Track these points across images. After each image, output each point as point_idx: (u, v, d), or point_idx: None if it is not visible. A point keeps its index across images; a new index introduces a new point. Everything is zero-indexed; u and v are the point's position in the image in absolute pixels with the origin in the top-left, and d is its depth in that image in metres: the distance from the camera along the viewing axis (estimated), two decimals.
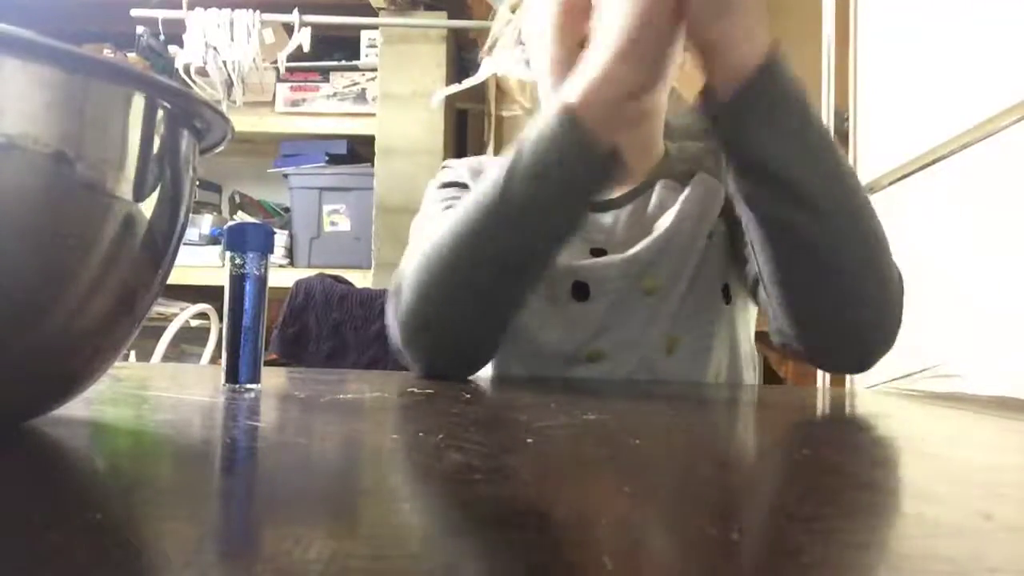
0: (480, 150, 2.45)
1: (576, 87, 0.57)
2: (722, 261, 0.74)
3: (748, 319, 0.79)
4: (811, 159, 0.56)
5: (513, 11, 0.82)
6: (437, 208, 0.76)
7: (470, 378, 0.66)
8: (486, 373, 0.75)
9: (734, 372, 0.76)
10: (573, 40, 0.70)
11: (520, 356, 0.73)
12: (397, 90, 2.24)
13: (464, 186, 0.78)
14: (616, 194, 0.77)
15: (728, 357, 0.75)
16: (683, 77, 0.76)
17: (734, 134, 0.57)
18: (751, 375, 0.79)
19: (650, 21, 0.54)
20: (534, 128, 0.59)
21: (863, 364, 0.63)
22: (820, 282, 0.59)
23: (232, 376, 0.51)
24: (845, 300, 0.59)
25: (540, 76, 0.76)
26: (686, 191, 0.74)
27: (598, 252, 0.74)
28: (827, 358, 0.64)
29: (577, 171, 0.58)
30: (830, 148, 0.58)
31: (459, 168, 0.81)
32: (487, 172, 0.62)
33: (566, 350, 0.72)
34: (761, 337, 0.81)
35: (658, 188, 0.76)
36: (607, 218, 0.76)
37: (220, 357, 0.52)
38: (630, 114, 0.58)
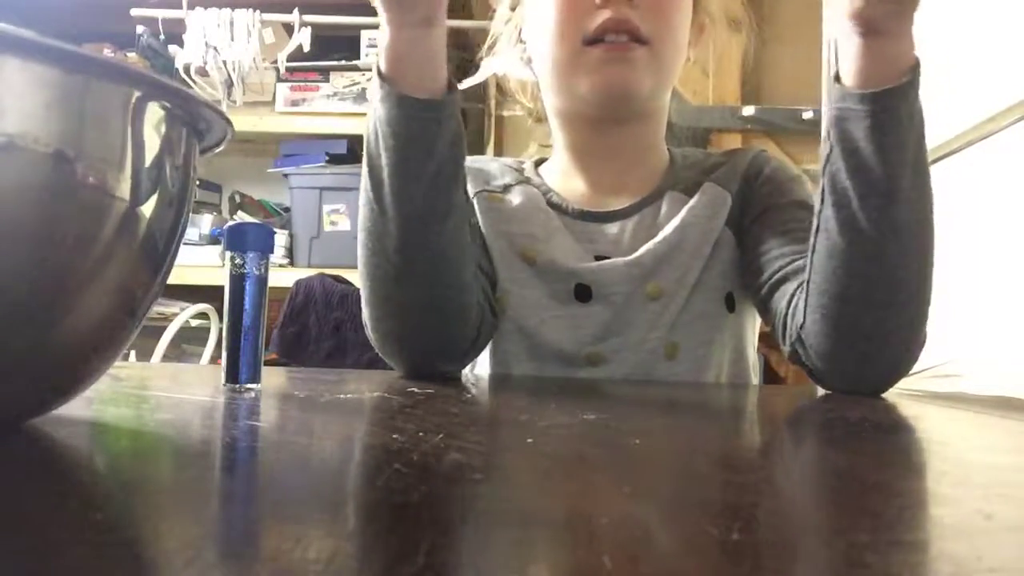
0: (480, 150, 2.44)
1: (379, 52, 0.61)
2: (727, 270, 0.74)
3: (753, 328, 0.78)
4: (919, 182, 0.57)
5: (513, 9, 0.82)
6: None
7: (469, 378, 0.66)
8: (484, 372, 0.75)
9: (735, 380, 0.76)
10: (575, 38, 0.70)
11: (519, 355, 0.73)
12: None
13: None
14: (622, 206, 0.77)
15: (729, 365, 0.75)
16: (685, 78, 0.77)
17: (867, 130, 0.56)
18: (753, 383, 0.79)
19: None
20: (370, 114, 0.62)
21: (872, 389, 0.62)
22: (876, 299, 0.59)
23: (232, 376, 0.51)
24: (890, 323, 0.59)
25: (541, 75, 0.76)
26: (692, 200, 0.74)
27: (602, 259, 0.74)
28: (843, 377, 0.63)
29: (407, 125, 0.60)
30: (927, 170, 0.58)
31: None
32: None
33: (566, 350, 0.72)
34: (762, 337, 0.81)
35: (667, 200, 0.76)
36: (613, 228, 0.76)
37: (220, 357, 0.52)
38: (428, 46, 0.60)
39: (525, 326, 0.72)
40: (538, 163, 0.83)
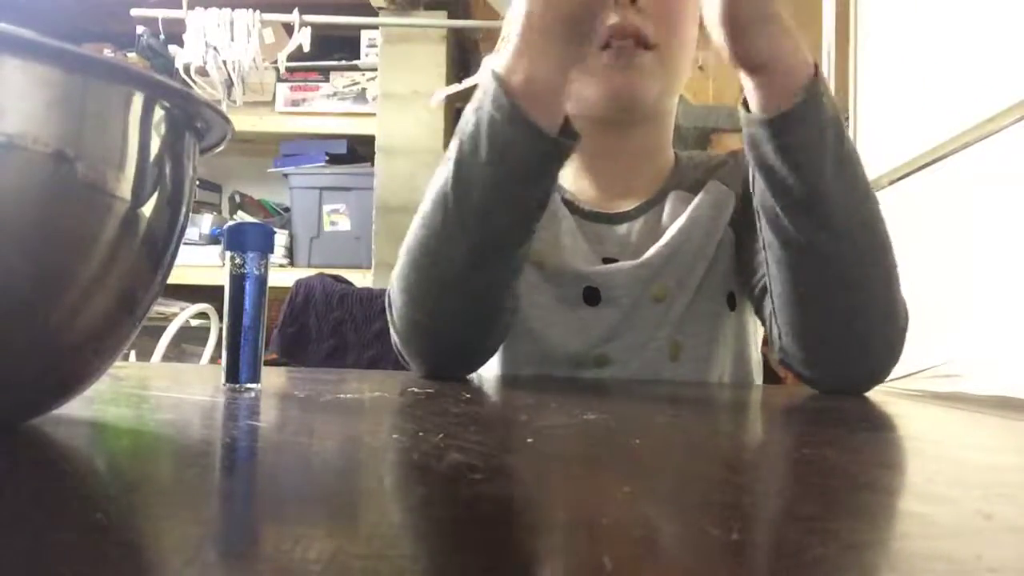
0: None
1: (506, 65, 0.57)
2: (728, 269, 0.74)
3: (755, 327, 0.79)
4: (842, 180, 0.57)
5: None
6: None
7: (470, 378, 0.66)
8: (492, 373, 0.75)
9: (739, 379, 0.76)
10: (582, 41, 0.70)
11: (528, 358, 0.73)
12: (397, 90, 2.24)
13: None
14: (629, 207, 0.77)
15: (732, 364, 0.75)
16: (692, 82, 0.77)
17: (776, 151, 0.56)
18: (758, 382, 0.79)
19: None
20: (471, 116, 0.59)
21: (859, 389, 0.63)
22: (833, 304, 0.60)
23: (232, 376, 0.51)
24: (854, 324, 0.60)
25: None
26: (696, 199, 0.74)
27: (610, 261, 0.74)
28: (826, 380, 0.64)
29: (524, 151, 0.57)
30: (858, 170, 0.58)
31: None
32: (441, 167, 0.61)
33: (573, 353, 0.72)
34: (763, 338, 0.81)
35: (671, 199, 0.76)
36: (620, 230, 0.76)
37: (220, 357, 0.52)
38: (563, 66, 0.58)
39: (533, 329, 0.72)
40: None
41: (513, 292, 0.64)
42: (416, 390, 0.54)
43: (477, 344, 0.66)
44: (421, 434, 0.35)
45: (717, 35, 0.56)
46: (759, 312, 0.71)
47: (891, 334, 0.61)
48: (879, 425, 0.49)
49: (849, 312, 0.59)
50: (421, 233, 0.61)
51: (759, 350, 0.80)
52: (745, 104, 0.58)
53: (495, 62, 0.58)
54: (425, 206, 0.61)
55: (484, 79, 0.72)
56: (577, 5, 0.56)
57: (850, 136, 0.59)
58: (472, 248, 0.59)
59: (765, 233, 0.61)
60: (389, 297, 0.66)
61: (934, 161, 1.18)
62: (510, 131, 0.57)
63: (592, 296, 0.72)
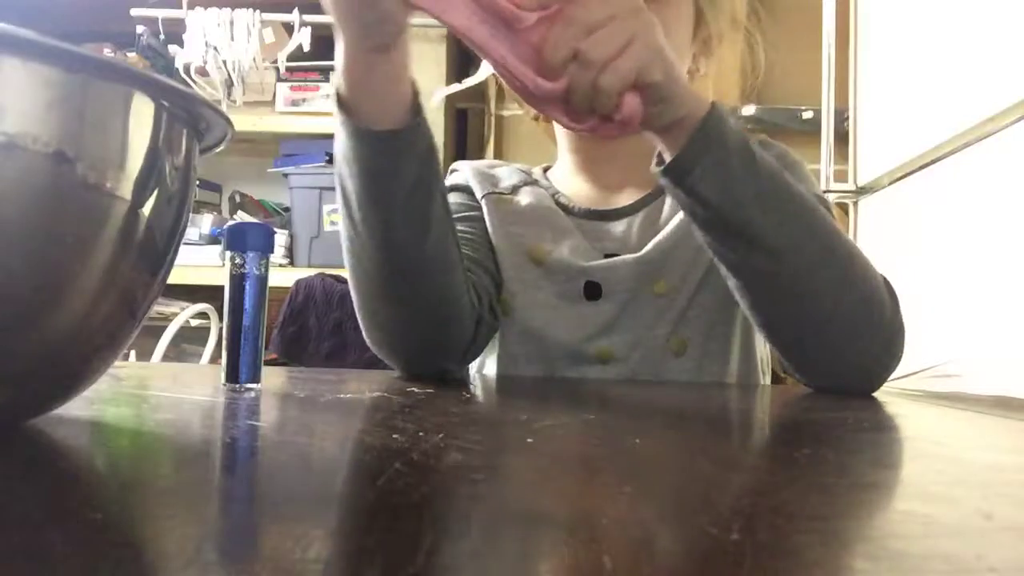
0: (480, 150, 2.45)
1: (336, 74, 0.59)
2: None
3: None
4: (762, 201, 0.57)
5: None
6: None
7: (470, 378, 0.66)
8: (492, 371, 0.75)
9: (747, 374, 0.76)
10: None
11: (528, 356, 0.73)
12: None
13: (467, 190, 0.78)
14: (628, 203, 0.77)
15: (741, 360, 0.75)
16: (691, 84, 0.77)
17: (683, 193, 0.58)
18: (765, 380, 0.79)
19: None
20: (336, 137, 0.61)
21: (863, 387, 0.63)
22: (795, 316, 0.60)
23: (232, 376, 0.51)
24: (825, 329, 0.60)
25: None
26: None
27: (611, 256, 0.74)
28: (822, 383, 0.64)
29: (364, 153, 0.58)
30: (787, 194, 0.58)
31: (465, 171, 0.80)
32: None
33: (574, 348, 0.72)
34: None
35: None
36: (619, 226, 0.76)
37: (220, 357, 0.52)
38: (384, 70, 0.58)
39: (532, 327, 0.72)
40: (545, 169, 0.83)
41: (455, 289, 0.64)
42: (416, 390, 0.54)
43: (440, 344, 0.65)
44: (421, 434, 0.35)
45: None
46: None
47: (870, 330, 0.60)
48: (879, 425, 0.49)
49: (815, 319, 0.59)
50: (343, 241, 0.62)
51: (766, 346, 0.80)
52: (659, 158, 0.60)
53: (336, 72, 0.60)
54: (340, 228, 0.63)
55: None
56: (365, 13, 0.56)
57: (760, 153, 0.58)
58: (377, 254, 0.60)
59: (718, 266, 0.62)
60: None
61: (934, 161, 1.18)
62: (346, 137, 0.58)
63: (593, 291, 0.72)
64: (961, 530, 0.22)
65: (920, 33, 1.25)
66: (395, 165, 0.59)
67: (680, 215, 0.73)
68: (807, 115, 1.97)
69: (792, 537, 0.20)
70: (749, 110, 2.10)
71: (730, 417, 0.52)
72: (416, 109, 0.60)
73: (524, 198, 0.77)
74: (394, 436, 0.36)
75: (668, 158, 0.57)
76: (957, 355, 1.05)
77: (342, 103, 0.58)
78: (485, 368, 0.76)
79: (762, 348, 0.78)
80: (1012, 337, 0.95)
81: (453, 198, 0.77)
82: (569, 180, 0.79)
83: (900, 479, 0.31)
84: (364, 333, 0.66)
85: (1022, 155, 0.96)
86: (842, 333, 0.60)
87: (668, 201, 0.76)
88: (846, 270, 0.59)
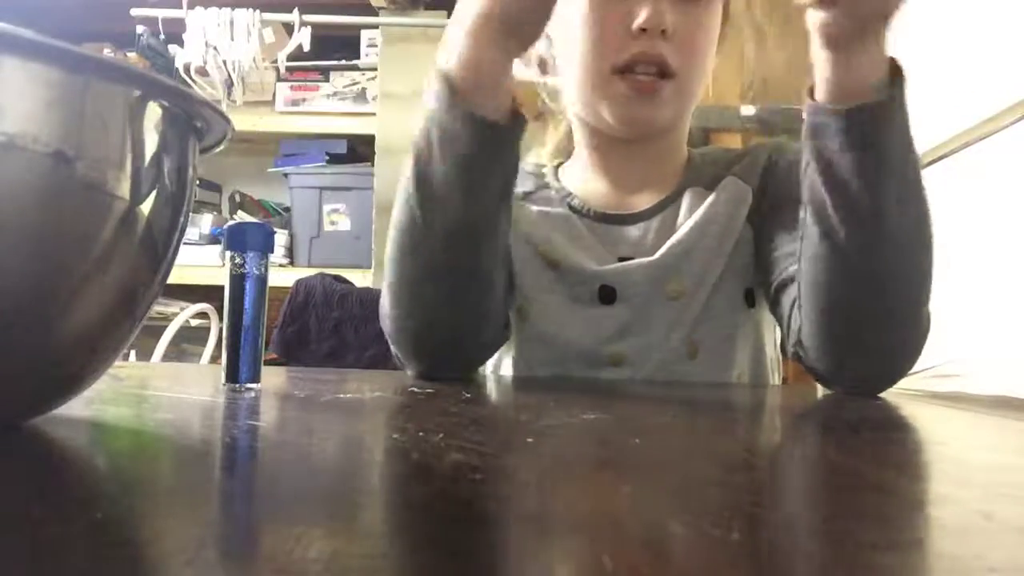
0: None
1: (448, 59, 0.58)
2: (746, 265, 0.73)
3: (771, 325, 0.78)
4: (903, 187, 0.56)
5: None
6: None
7: (471, 378, 0.66)
8: (505, 373, 0.75)
9: (757, 376, 0.75)
10: (605, 65, 0.69)
11: (542, 360, 0.72)
12: (397, 90, 2.24)
13: None
14: (644, 207, 0.77)
15: (751, 361, 0.75)
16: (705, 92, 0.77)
17: (842, 146, 0.55)
18: (775, 380, 0.79)
19: None
20: (422, 115, 0.60)
21: (875, 390, 0.62)
22: (865, 308, 0.59)
23: (232, 376, 0.51)
24: (882, 330, 0.59)
25: (567, 85, 0.75)
26: (712, 196, 0.74)
27: (626, 260, 0.74)
28: (844, 380, 0.63)
29: (467, 140, 0.58)
30: (919, 180, 0.57)
31: None
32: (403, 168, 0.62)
33: (588, 351, 0.71)
34: None
35: (687, 196, 0.76)
36: (635, 231, 0.75)
37: (220, 357, 0.52)
38: (507, 57, 0.58)
39: (547, 331, 0.72)
40: (557, 166, 0.83)
41: (495, 288, 0.64)
42: (416, 390, 0.54)
43: (466, 343, 0.65)
44: (421, 434, 0.35)
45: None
46: (773, 308, 0.71)
47: (915, 340, 0.60)
48: (880, 425, 0.49)
49: (879, 318, 0.59)
50: (394, 235, 0.62)
51: (776, 347, 0.79)
52: (811, 94, 0.57)
53: (439, 58, 0.59)
54: (395, 209, 0.62)
55: (573, 105, 0.72)
56: (524, 11, 0.56)
57: (917, 152, 0.56)
58: (440, 244, 0.60)
59: (808, 224, 0.59)
60: (380, 303, 0.66)
61: (934, 161, 1.18)
62: (450, 121, 0.58)
63: (607, 295, 0.72)
64: (961, 530, 0.22)
65: (920, 33, 1.25)
66: (495, 155, 0.59)
67: (696, 217, 0.73)
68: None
69: (792, 537, 0.20)
70: (749, 110, 2.10)
71: (731, 417, 0.52)
72: (517, 110, 0.60)
73: (537, 203, 0.77)
74: (394, 436, 0.36)
75: (838, 97, 0.54)
76: (957, 355, 1.05)
77: (452, 87, 0.58)
78: (502, 368, 0.76)
79: (772, 349, 0.78)
80: (1012, 337, 0.95)
81: None
82: (585, 180, 0.79)
83: (901, 479, 0.31)
84: (390, 326, 0.64)
85: (1022, 155, 0.96)
86: (901, 335, 0.60)
87: (684, 205, 0.75)
88: (927, 280, 0.59)
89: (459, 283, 0.62)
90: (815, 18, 0.54)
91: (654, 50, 0.68)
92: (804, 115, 0.58)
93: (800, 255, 0.61)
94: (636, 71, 0.69)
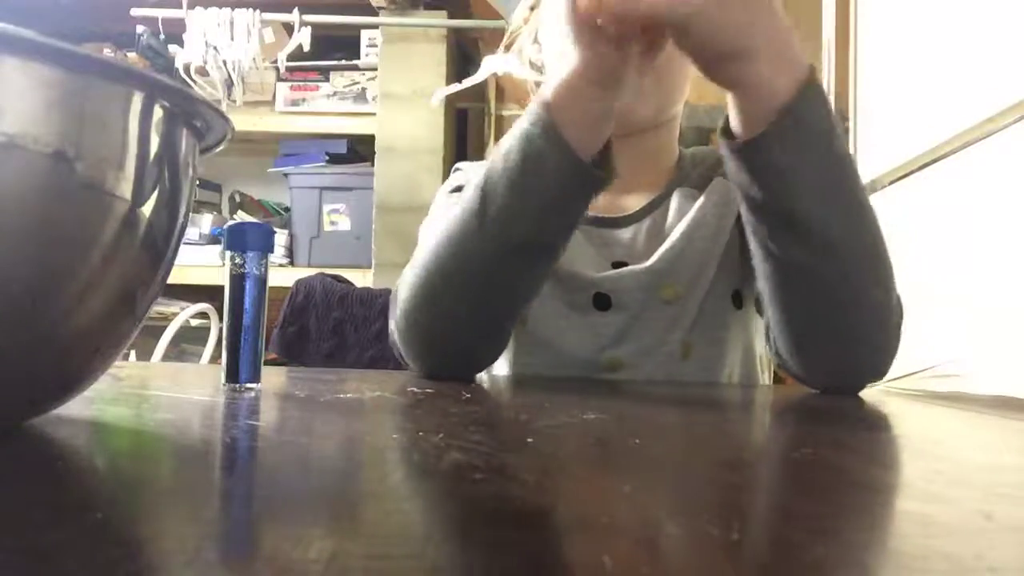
0: (480, 149, 2.45)
1: (549, 86, 0.58)
2: (734, 267, 0.74)
3: (761, 323, 0.79)
4: (830, 200, 0.55)
5: (532, 8, 0.82)
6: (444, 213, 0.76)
7: (470, 378, 0.66)
8: (501, 371, 0.75)
9: (747, 376, 0.76)
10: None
11: (539, 366, 0.73)
12: (397, 89, 2.24)
13: None
14: (635, 209, 0.77)
15: (741, 361, 0.75)
16: (692, 83, 0.77)
17: (752, 173, 0.55)
18: (765, 378, 0.79)
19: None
20: (513, 133, 0.59)
21: (855, 388, 0.63)
22: (823, 317, 0.59)
23: (232, 376, 0.51)
24: (846, 334, 0.60)
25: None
26: (701, 198, 0.74)
27: (620, 265, 0.74)
28: (822, 382, 0.64)
29: (553, 168, 0.57)
30: (851, 185, 0.57)
31: (470, 172, 0.80)
32: (476, 175, 0.61)
33: (585, 358, 0.72)
34: None
35: (675, 198, 0.76)
36: (626, 233, 0.76)
37: (220, 357, 0.52)
38: (603, 107, 0.57)
39: (544, 337, 0.72)
40: None
41: (524, 308, 0.65)
42: (416, 390, 0.54)
43: (477, 352, 0.66)
44: (421, 434, 0.35)
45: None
46: (759, 309, 0.71)
47: (883, 335, 0.60)
48: (879, 425, 0.49)
49: (837, 322, 0.59)
50: (441, 235, 0.61)
51: (765, 347, 0.80)
52: (726, 119, 0.57)
53: (543, 89, 0.58)
54: (452, 211, 0.61)
55: (530, 103, 0.72)
56: (611, 67, 0.56)
57: (842, 143, 0.56)
58: (489, 257, 0.59)
59: (751, 245, 0.60)
60: (395, 294, 0.65)
61: (934, 161, 1.18)
62: (543, 144, 0.57)
63: (602, 301, 0.72)
64: (961, 530, 0.22)
65: (920, 33, 1.25)
66: (573, 197, 0.59)
67: (686, 220, 0.73)
68: None
69: (792, 537, 0.20)
70: None
71: (730, 417, 0.52)
72: (611, 160, 0.60)
73: None
74: (394, 436, 0.36)
75: (741, 128, 0.55)
76: (957, 355, 1.05)
77: (549, 117, 0.57)
78: (494, 371, 0.76)
79: (762, 347, 0.78)
80: (1012, 337, 0.95)
81: (458, 197, 0.77)
82: None
83: (900, 479, 0.31)
84: (404, 327, 0.64)
85: (1022, 155, 0.96)
86: (863, 334, 0.60)
87: (673, 206, 0.76)
88: (882, 271, 0.59)
89: (499, 298, 0.62)
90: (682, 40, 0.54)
91: None
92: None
93: (758, 276, 0.62)
94: None
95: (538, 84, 0.80)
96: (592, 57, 0.55)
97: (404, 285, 0.64)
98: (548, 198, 0.58)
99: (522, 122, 0.59)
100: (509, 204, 0.58)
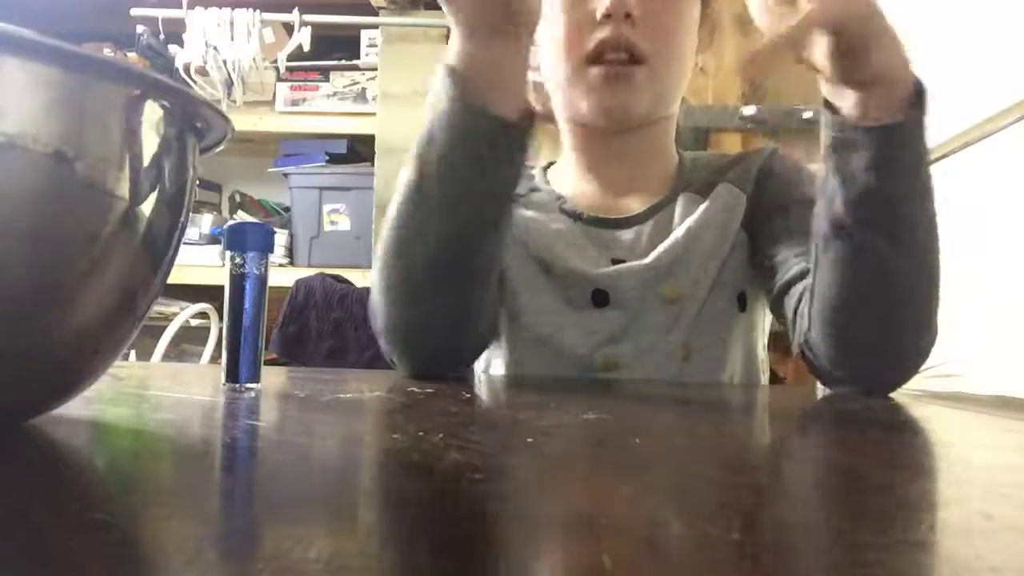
0: None
1: (453, 55, 0.58)
2: (740, 269, 0.73)
3: (764, 327, 0.78)
4: (920, 196, 0.57)
5: None
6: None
7: (475, 377, 0.66)
8: (496, 371, 0.75)
9: (748, 378, 0.76)
10: (578, 55, 0.70)
11: (536, 363, 0.73)
12: (397, 89, 2.24)
13: None
14: (638, 211, 0.76)
15: (742, 364, 0.75)
16: (692, 82, 0.77)
17: (868, 164, 0.55)
18: (763, 380, 0.79)
19: None
20: (428, 111, 0.59)
21: (882, 391, 0.63)
22: (879, 313, 0.59)
23: (232, 376, 0.51)
24: (894, 335, 0.60)
25: (549, 84, 0.76)
26: (707, 202, 0.74)
27: (619, 263, 0.74)
28: (852, 381, 0.63)
29: (476, 136, 0.57)
30: (931, 189, 0.58)
31: None
32: (404, 168, 0.61)
33: (583, 356, 0.71)
34: None
35: (681, 201, 0.76)
36: (628, 234, 0.76)
37: (220, 357, 0.52)
38: (507, 63, 0.57)
39: (541, 333, 0.72)
40: (546, 167, 0.83)
41: (491, 287, 0.64)
42: (416, 390, 0.54)
43: (455, 343, 0.65)
44: (421, 434, 0.35)
45: (821, 61, 0.54)
46: (777, 310, 0.71)
47: (925, 344, 0.61)
48: (879, 425, 0.49)
49: (892, 323, 0.59)
50: (392, 230, 0.61)
51: (765, 349, 0.80)
52: (827, 104, 0.57)
53: (445, 54, 0.59)
54: (394, 204, 0.61)
55: (559, 101, 0.72)
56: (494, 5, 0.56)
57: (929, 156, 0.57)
58: (441, 241, 0.59)
59: (824, 231, 0.59)
60: (371, 301, 0.66)
61: (934, 160, 1.18)
62: (460, 117, 0.57)
63: (600, 298, 0.72)
64: (961, 530, 0.22)
65: (920, 33, 1.25)
66: (508, 155, 0.59)
67: (689, 222, 0.73)
68: (807, 115, 1.97)
69: (792, 537, 0.20)
70: (749, 110, 2.10)
71: (731, 417, 0.52)
72: (530, 108, 0.60)
73: (530, 206, 0.77)
74: (394, 436, 0.36)
75: (864, 115, 0.54)
76: (957, 355, 1.05)
77: (466, 86, 0.57)
78: (491, 368, 0.76)
79: (762, 350, 0.78)
80: (1012, 337, 0.95)
81: None
82: (573, 181, 0.79)
83: (900, 479, 0.31)
84: (381, 327, 0.64)
85: (1022, 155, 0.96)
86: (910, 340, 0.60)
87: (679, 209, 0.75)
88: (936, 287, 0.60)
89: (457, 282, 0.61)
90: (824, 71, 0.54)
91: (619, 34, 0.69)
92: (823, 127, 0.57)
93: (816, 260, 0.61)
94: (606, 59, 0.69)
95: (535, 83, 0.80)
96: (471, 5, 0.55)
97: (374, 289, 0.64)
98: (482, 168, 0.58)
99: (436, 97, 0.58)
100: (448, 186, 0.58)
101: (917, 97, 0.54)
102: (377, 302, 0.64)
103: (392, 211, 0.62)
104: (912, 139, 0.55)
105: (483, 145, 0.57)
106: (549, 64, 0.74)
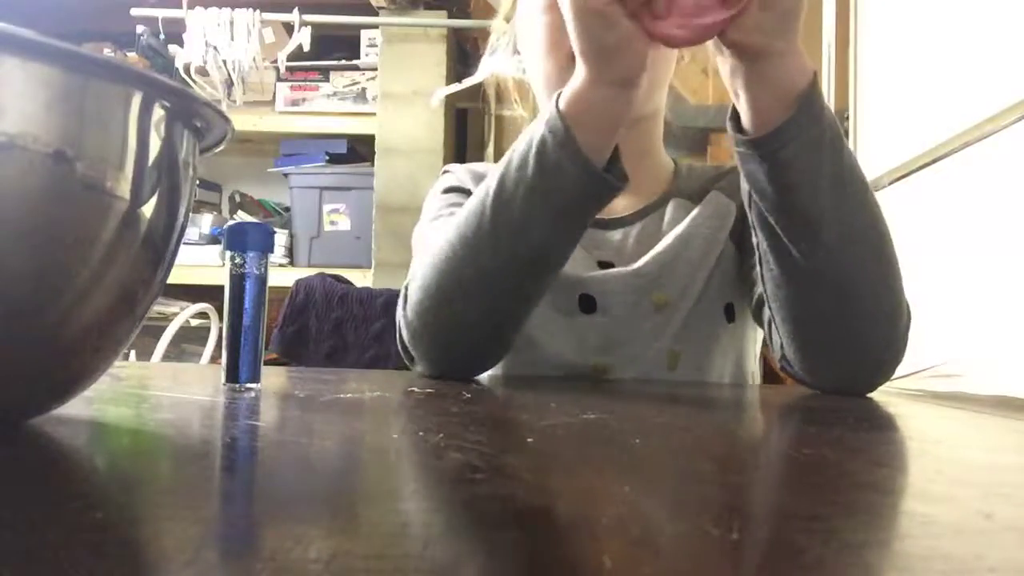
0: (480, 149, 2.45)
1: (564, 93, 0.57)
2: (728, 280, 0.74)
3: (754, 339, 0.78)
4: (838, 192, 0.56)
5: (507, 20, 0.82)
6: (439, 214, 0.76)
7: (470, 378, 0.66)
8: (494, 373, 0.75)
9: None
10: (563, 55, 0.70)
11: (525, 365, 0.73)
12: (397, 89, 2.25)
13: (466, 191, 0.78)
14: (626, 212, 0.76)
15: (731, 375, 0.75)
16: (684, 78, 0.77)
17: (767, 172, 0.55)
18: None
19: (584, 6, 0.53)
20: (525, 137, 0.59)
21: (863, 390, 0.63)
22: (831, 315, 0.59)
23: (232, 376, 0.51)
24: (854, 333, 0.59)
25: (536, 88, 0.76)
26: (697, 209, 0.74)
27: (606, 265, 0.74)
28: (829, 385, 0.63)
29: (569, 178, 0.57)
30: (856, 179, 0.57)
31: (460, 173, 0.80)
32: (487, 178, 0.61)
33: (571, 362, 0.71)
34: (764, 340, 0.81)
35: (671, 206, 0.76)
36: (616, 235, 0.76)
37: (220, 357, 0.52)
38: (619, 108, 0.57)
39: (531, 337, 0.72)
40: None
41: (530, 312, 0.64)
42: (416, 390, 0.54)
43: (483, 355, 0.66)
44: (421, 434, 0.35)
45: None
46: (759, 320, 0.71)
47: (892, 336, 0.60)
48: (879, 425, 0.49)
49: (848, 322, 0.59)
50: (453, 237, 0.61)
51: (757, 361, 0.80)
52: (734, 118, 0.57)
53: (563, 92, 0.58)
54: (463, 213, 0.61)
55: (546, 104, 0.72)
56: (627, 68, 0.55)
57: (847, 142, 0.56)
58: (501, 263, 0.59)
59: (760, 247, 0.60)
60: (405, 292, 0.65)
61: (934, 161, 1.18)
62: (559, 154, 0.56)
63: (588, 304, 0.72)
64: (961, 530, 0.22)
65: (920, 33, 1.25)
66: (586, 206, 0.59)
67: (679, 229, 0.73)
68: None
69: (792, 537, 0.20)
70: None
71: (730, 417, 0.52)
72: (618, 168, 0.59)
73: None
74: (394, 436, 0.36)
75: (756, 122, 0.54)
76: (957, 355, 1.05)
77: (567, 124, 0.56)
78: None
79: (753, 363, 0.78)
80: (1012, 337, 0.95)
81: (452, 199, 0.77)
82: None
83: (900, 479, 0.31)
84: (416, 320, 0.63)
85: (1022, 155, 0.96)
86: (872, 336, 0.60)
87: (668, 213, 0.75)
88: (890, 273, 0.59)
89: (511, 303, 0.62)
90: (730, 35, 0.53)
91: None
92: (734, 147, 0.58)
93: (761, 277, 0.62)
94: None
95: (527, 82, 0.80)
96: (605, 57, 0.55)
97: (415, 286, 0.64)
98: (563, 208, 0.58)
99: (539, 126, 0.58)
100: (525, 215, 0.58)
101: (799, 100, 0.53)
102: (413, 298, 0.63)
103: (460, 216, 0.61)
104: (803, 136, 0.53)
105: (570, 184, 0.57)
106: (533, 66, 0.74)
